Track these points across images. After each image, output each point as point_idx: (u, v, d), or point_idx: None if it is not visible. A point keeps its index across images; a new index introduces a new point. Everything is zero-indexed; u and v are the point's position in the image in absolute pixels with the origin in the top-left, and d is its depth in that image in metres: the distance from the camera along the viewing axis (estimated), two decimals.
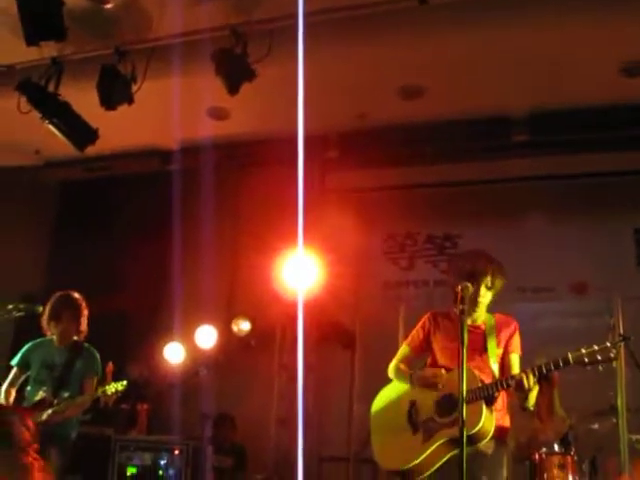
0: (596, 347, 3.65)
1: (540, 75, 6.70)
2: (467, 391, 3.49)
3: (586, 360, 3.64)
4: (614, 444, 6.31)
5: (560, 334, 7.36)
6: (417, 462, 3.88)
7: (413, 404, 4.08)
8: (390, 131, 7.74)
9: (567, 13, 5.75)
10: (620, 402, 6.15)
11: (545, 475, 5.42)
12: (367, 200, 8.39)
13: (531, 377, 3.71)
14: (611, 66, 6.64)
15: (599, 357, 3.63)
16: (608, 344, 3.64)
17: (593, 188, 7.92)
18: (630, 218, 8.03)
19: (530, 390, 3.76)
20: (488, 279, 4.08)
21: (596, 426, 6.29)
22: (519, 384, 3.75)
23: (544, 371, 3.71)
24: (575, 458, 5.53)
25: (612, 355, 3.62)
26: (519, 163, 7.91)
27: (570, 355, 3.67)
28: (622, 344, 4.19)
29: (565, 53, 6.38)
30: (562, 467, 5.46)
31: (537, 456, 5.49)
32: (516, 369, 4.08)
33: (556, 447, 5.61)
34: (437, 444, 3.85)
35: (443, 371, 4.03)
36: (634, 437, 6.24)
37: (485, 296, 4.12)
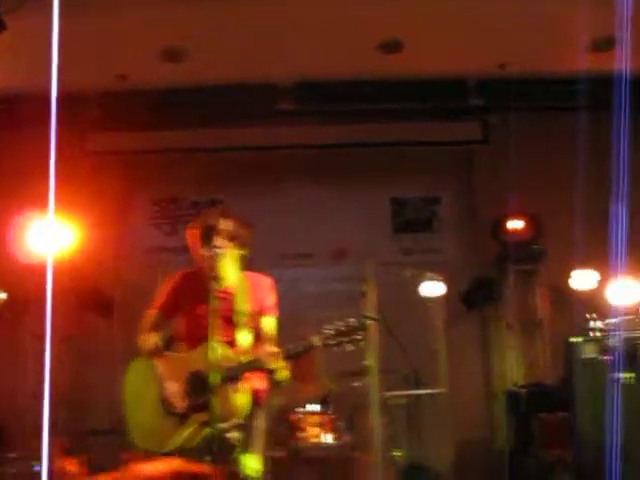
0: (343, 328, 3.66)
1: (304, 46, 6.79)
2: (215, 372, 3.45)
3: (331, 343, 3.67)
4: (369, 402, 6.66)
5: (321, 299, 7.63)
6: (172, 447, 3.79)
7: (163, 383, 3.89)
8: (153, 93, 7.51)
9: None
10: (372, 363, 6.48)
11: (304, 434, 5.62)
12: (131, 163, 8.08)
13: (278, 361, 3.70)
14: (370, 42, 6.89)
15: (344, 339, 3.66)
16: (351, 322, 3.66)
17: (352, 157, 8.23)
18: (387, 188, 8.47)
19: (277, 371, 3.75)
20: (220, 226, 3.90)
21: (356, 385, 6.62)
22: (265, 367, 3.73)
23: (291, 355, 3.71)
24: (332, 417, 5.78)
25: (358, 337, 3.67)
26: (282, 131, 8.02)
27: (316, 339, 3.67)
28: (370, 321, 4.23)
29: (326, 27, 6.52)
30: (320, 425, 5.70)
31: (295, 417, 5.68)
32: (271, 335, 3.99)
33: (314, 407, 5.83)
34: (191, 428, 3.75)
35: (190, 354, 3.88)
36: (386, 394, 6.65)
37: (228, 249, 3.92)
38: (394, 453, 6.54)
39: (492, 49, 6.97)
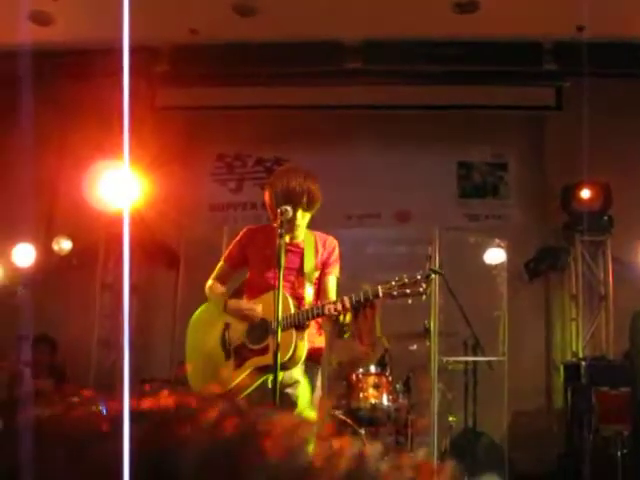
0: (406, 280, 3.66)
1: (374, 3, 6.70)
2: (279, 319, 3.50)
3: (395, 293, 3.67)
4: (426, 365, 6.66)
5: (384, 260, 7.60)
6: (224, 389, 3.84)
7: (226, 328, 3.99)
8: (224, 49, 7.50)
9: None
10: (433, 326, 6.46)
11: (360, 394, 5.64)
12: (198, 118, 8.13)
13: (342, 310, 3.71)
14: (444, 2, 6.76)
15: (408, 291, 3.67)
16: (418, 277, 3.67)
17: (421, 120, 8.11)
18: (454, 151, 8.33)
19: (343, 321, 3.79)
20: (304, 201, 3.90)
21: (413, 348, 6.62)
22: (330, 315, 3.76)
23: (354, 303, 3.69)
24: (390, 378, 5.79)
25: (421, 290, 3.66)
26: (351, 90, 7.96)
27: (380, 288, 3.66)
28: (434, 275, 4.24)
29: None
30: (377, 387, 5.70)
31: (354, 376, 5.70)
32: (332, 293, 4.04)
33: (372, 368, 5.85)
34: (248, 372, 3.81)
35: (259, 305, 3.91)
36: (444, 359, 6.63)
37: (303, 218, 3.99)
38: (449, 418, 6.53)
39: (570, 11, 6.75)
